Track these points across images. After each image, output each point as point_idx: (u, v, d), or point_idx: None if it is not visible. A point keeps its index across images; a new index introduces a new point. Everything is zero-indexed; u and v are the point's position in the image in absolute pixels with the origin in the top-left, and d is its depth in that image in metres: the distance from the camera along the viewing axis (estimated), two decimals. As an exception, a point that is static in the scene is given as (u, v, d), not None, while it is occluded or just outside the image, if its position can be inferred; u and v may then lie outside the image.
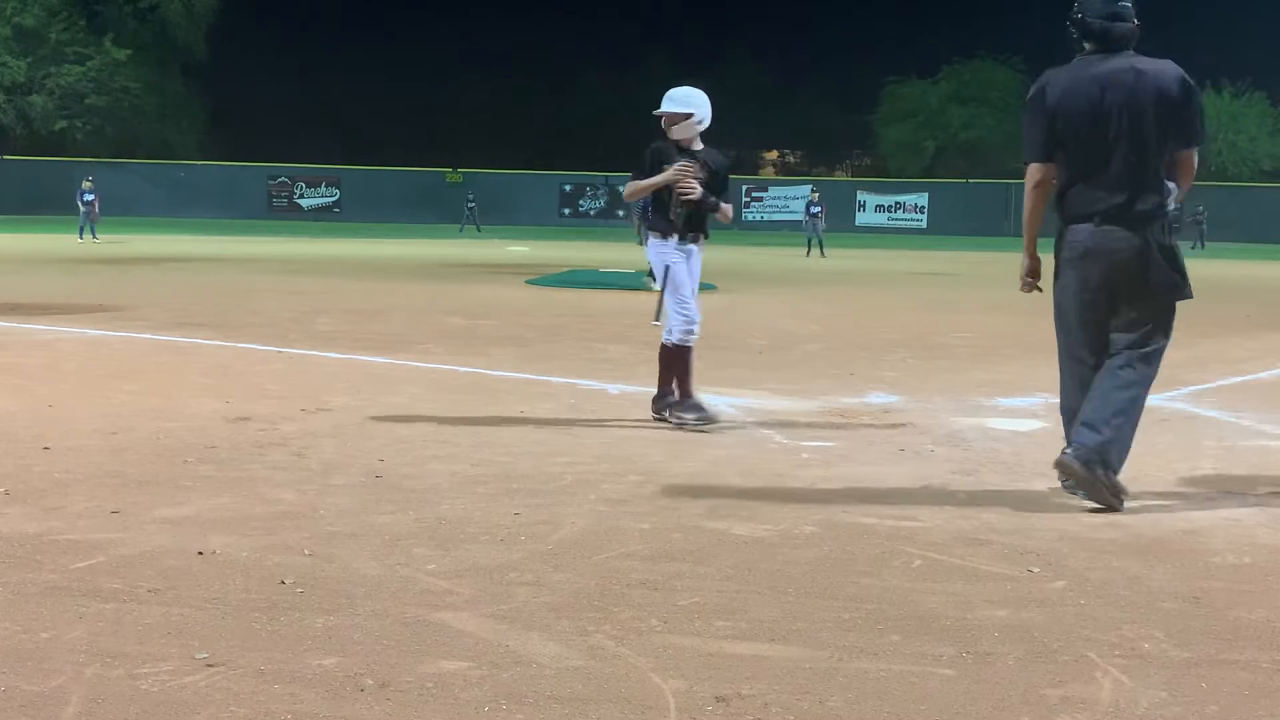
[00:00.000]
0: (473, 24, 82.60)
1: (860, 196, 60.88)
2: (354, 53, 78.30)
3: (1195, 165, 5.19)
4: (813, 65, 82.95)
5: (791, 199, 56.74)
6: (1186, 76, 5.05)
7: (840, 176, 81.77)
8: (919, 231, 56.73)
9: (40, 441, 5.94)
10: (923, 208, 59.89)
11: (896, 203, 60.46)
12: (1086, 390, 5.12)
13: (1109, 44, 5.08)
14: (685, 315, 6.89)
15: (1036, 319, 15.01)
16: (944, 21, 79.48)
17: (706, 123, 6.93)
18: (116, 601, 3.65)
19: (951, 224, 56.26)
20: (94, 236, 31.61)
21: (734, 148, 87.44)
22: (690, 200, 6.85)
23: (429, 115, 76.81)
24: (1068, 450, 5.05)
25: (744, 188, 62.02)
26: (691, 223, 6.97)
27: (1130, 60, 5.06)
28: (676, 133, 6.89)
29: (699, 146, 6.98)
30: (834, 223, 41.50)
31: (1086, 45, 5.14)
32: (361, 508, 4.81)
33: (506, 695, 3.02)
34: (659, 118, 6.96)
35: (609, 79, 78.98)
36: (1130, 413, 5.06)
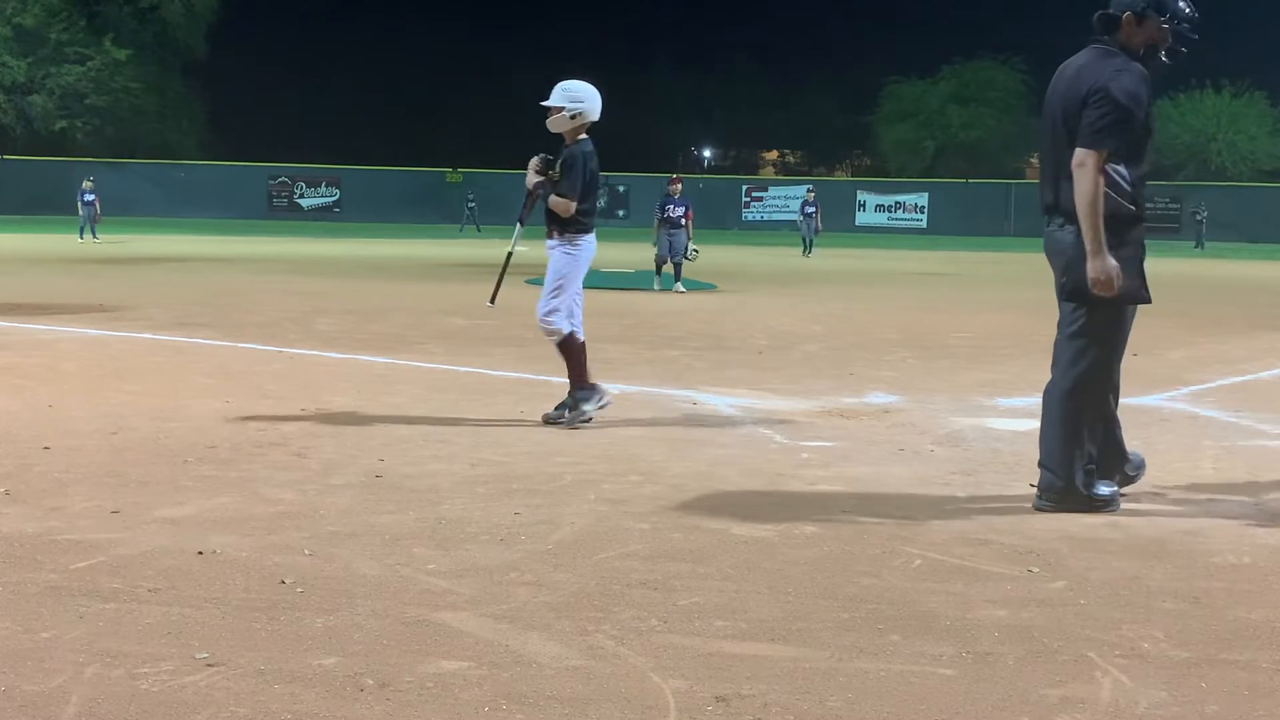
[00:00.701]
0: (473, 24, 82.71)
1: (860, 196, 60.82)
2: (354, 52, 78.29)
3: (1081, 167, 4.74)
4: (813, 65, 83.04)
5: (792, 199, 56.62)
6: (1107, 77, 4.78)
7: (840, 176, 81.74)
8: (919, 231, 56.67)
9: (40, 441, 5.94)
10: (923, 208, 59.84)
11: (896, 203, 60.40)
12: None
13: (1094, 36, 5.01)
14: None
15: (1036, 319, 14.96)
16: (944, 21, 79.61)
17: (585, 116, 6.97)
18: (116, 601, 3.65)
19: (951, 224, 56.22)
20: (94, 237, 31.59)
21: (734, 148, 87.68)
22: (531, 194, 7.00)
23: (429, 115, 76.80)
24: (1038, 498, 5.02)
25: (744, 188, 61.98)
26: (546, 218, 7.02)
27: (1086, 56, 4.96)
28: (549, 126, 6.99)
29: (580, 139, 7.00)
30: (834, 223, 41.43)
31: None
32: (361, 508, 4.81)
33: (506, 695, 3.02)
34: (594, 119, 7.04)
35: (610, 79, 78.91)
36: (1077, 444, 4.93)
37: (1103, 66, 4.85)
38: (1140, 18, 4.92)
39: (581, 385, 6.83)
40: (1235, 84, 63.93)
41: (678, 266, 18.05)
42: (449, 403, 7.45)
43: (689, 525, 4.65)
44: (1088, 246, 4.77)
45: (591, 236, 7.04)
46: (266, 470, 5.46)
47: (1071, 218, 4.86)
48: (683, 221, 18.16)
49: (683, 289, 17.86)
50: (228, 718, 2.87)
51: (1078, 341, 4.96)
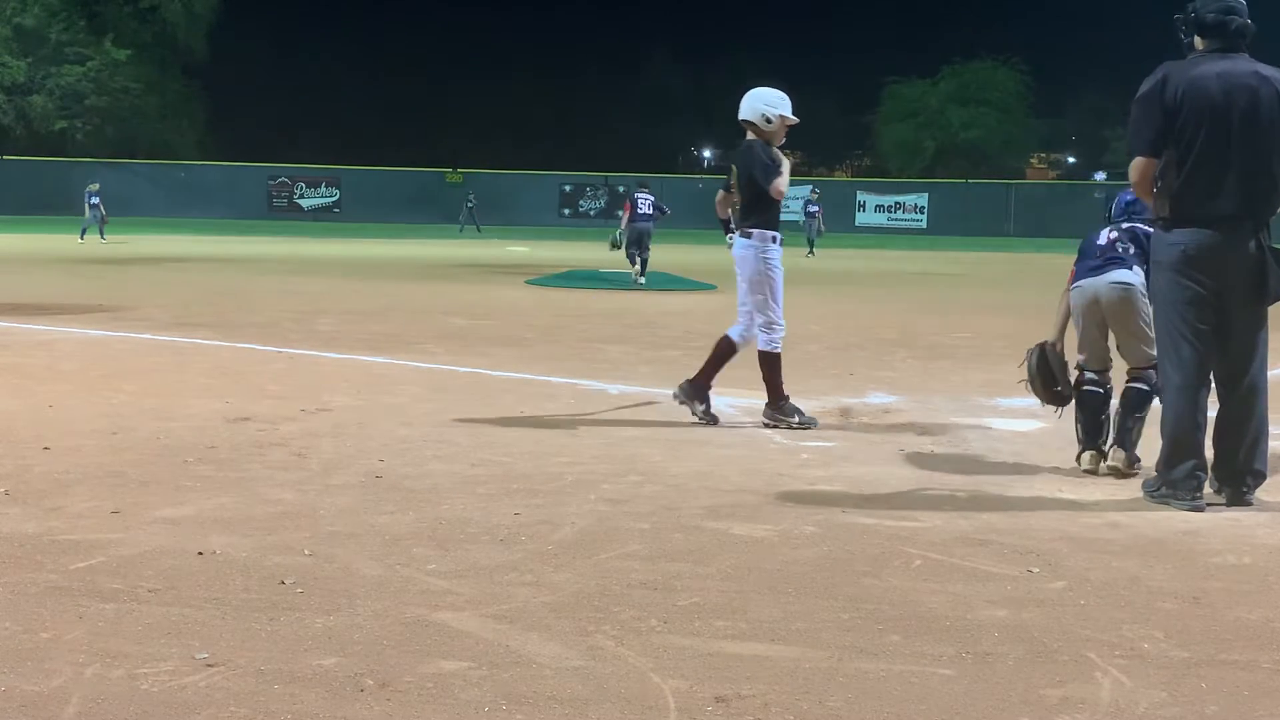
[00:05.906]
0: (473, 23, 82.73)
1: (860, 196, 60.77)
2: (354, 52, 78.35)
3: None
4: (813, 65, 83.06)
5: (792, 199, 56.64)
6: None
7: (840, 176, 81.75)
8: (919, 231, 56.63)
9: (40, 441, 5.94)
10: (923, 208, 59.80)
11: (896, 203, 60.36)
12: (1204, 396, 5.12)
13: (1226, 38, 5.00)
14: None
15: (1037, 319, 14.94)
16: (944, 21, 79.61)
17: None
18: (116, 601, 3.65)
19: (951, 224, 56.17)
20: (102, 238, 31.69)
21: (734, 148, 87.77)
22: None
23: (429, 115, 76.87)
24: (1250, 494, 5.13)
25: (744, 188, 61.95)
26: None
27: (1252, 64, 4.99)
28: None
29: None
30: (834, 223, 41.34)
31: (1200, 42, 5.04)
32: (361, 508, 4.81)
33: (506, 695, 3.02)
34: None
35: (610, 78, 79.30)
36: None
37: (1277, 71, 4.99)
38: None
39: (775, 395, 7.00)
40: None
41: (645, 261, 18.84)
42: (449, 403, 7.44)
43: (689, 525, 4.65)
44: None
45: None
46: (266, 470, 5.46)
47: (1260, 225, 4.96)
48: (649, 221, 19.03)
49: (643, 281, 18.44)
50: (228, 718, 2.87)
51: (1264, 342, 5.11)
